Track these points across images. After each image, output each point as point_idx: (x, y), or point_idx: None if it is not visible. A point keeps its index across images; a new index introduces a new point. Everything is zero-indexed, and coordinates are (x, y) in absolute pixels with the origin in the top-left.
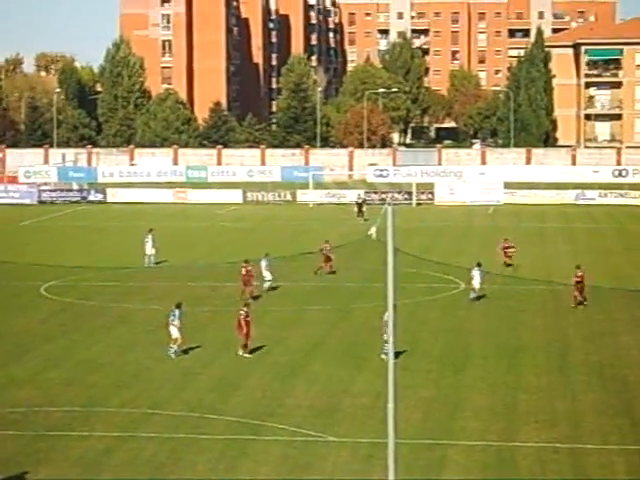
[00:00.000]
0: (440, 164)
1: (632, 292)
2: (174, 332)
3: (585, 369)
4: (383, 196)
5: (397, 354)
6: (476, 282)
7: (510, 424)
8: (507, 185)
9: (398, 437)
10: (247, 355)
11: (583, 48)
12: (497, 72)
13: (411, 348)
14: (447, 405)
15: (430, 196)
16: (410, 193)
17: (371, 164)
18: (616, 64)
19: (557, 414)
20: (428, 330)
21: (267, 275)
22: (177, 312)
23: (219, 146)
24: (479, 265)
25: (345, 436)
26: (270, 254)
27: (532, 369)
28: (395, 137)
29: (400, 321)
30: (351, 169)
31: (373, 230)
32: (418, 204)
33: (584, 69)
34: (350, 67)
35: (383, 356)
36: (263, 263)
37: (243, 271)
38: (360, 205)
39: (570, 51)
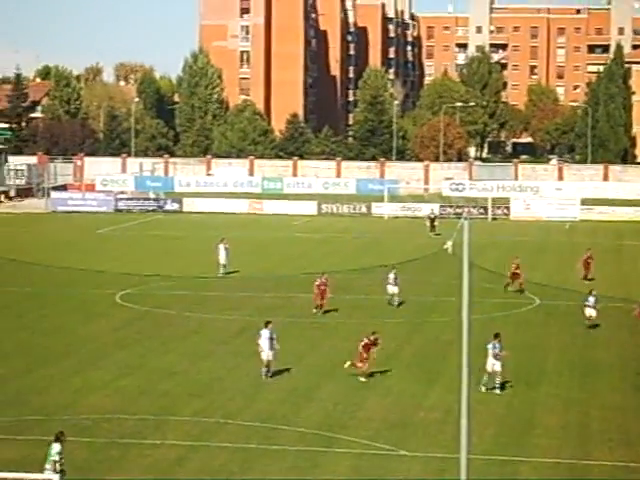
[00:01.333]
0: (516, 179)
1: None
2: (266, 353)
3: None
4: (459, 210)
5: (503, 385)
6: (588, 311)
7: (583, 442)
8: (584, 201)
9: (470, 452)
10: (363, 379)
11: None
12: (576, 88)
13: (484, 364)
14: (520, 421)
15: (506, 211)
16: (486, 208)
17: (447, 178)
18: None
19: (631, 433)
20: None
21: (393, 289)
22: (266, 332)
23: (295, 158)
24: (591, 292)
25: (417, 450)
26: (397, 267)
27: (606, 387)
28: (471, 151)
29: (474, 336)
30: (427, 183)
31: (449, 244)
32: (494, 219)
33: None
34: (427, 80)
35: (483, 388)
36: (390, 276)
37: (317, 282)
38: (432, 220)
39: None
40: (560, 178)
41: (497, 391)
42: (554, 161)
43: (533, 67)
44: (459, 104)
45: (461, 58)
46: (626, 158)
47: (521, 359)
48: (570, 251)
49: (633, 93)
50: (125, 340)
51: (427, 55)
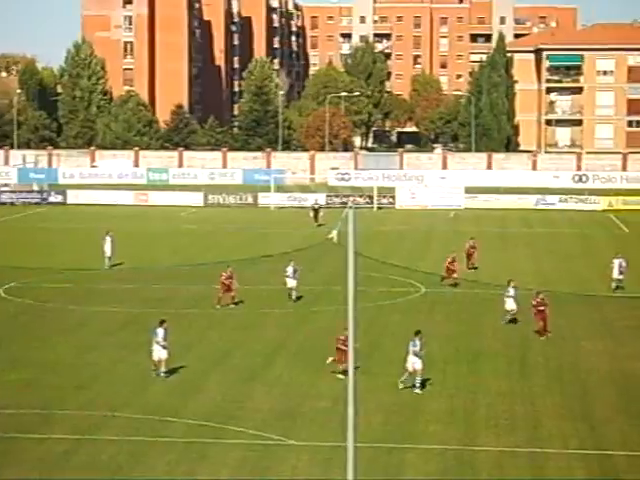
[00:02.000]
0: (401, 168)
1: (591, 297)
2: (158, 353)
3: (545, 373)
4: (344, 200)
5: (423, 383)
6: (510, 304)
7: (470, 428)
8: (468, 190)
9: (358, 441)
10: (341, 376)
11: (544, 54)
12: (459, 77)
13: (372, 352)
14: (407, 409)
15: (391, 200)
16: (371, 197)
17: (333, 168)
18: (577, 70)
19: (517, 418)
20: (389, 334)
21: (292, 283)
22: (160, 330)
23: (180, 148)
24: (509, 283)
25: (305, 440)
26: (294, 260)
27: (492, 373)
28: (357, 141)
29: (361, 325)
30: (313, 172)
31: (334, 233)
32: (379, 208)
33: (545, 74)
34: (312, 70)
35: (401, 385)
36: (289, 269)
37: (223, 275)
38: (316, 210)
39: (531, 56)
40: (444, 167)
41: (417, 390)
42: (438, 150)
43: (417, 56)
44: (344, 94)
45: (345, 48)
46: (509, 146)
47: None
48: (455, 239)
49: (515, 82)
50: (10, 334)
51: (312, 45)
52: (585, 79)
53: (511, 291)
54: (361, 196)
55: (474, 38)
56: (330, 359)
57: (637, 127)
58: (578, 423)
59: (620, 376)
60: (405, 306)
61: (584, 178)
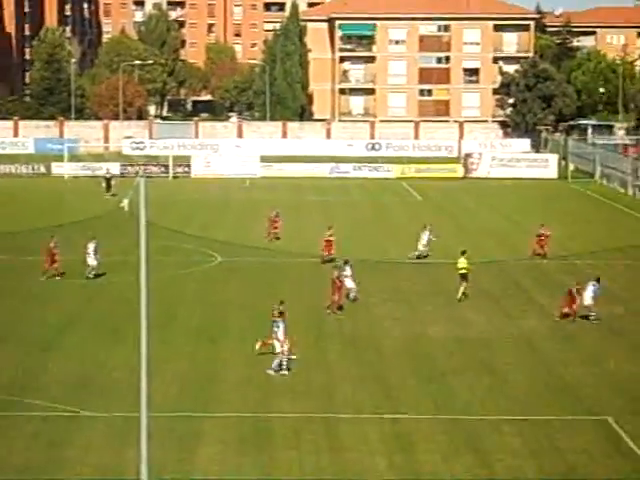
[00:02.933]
0: (197, 137)
1: (384, 263)
2: None
3: (340, 340)
4: (139, 169)
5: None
6: (349, 283)
7: (266, 395)
8: (263, 158)
9: (153, 411)
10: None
11: (337, 23)
12: (253, 45)
13: (167, 322)
14: (204, 378)
15: (187, 169)
16: (166, 166)
17: (127, 137)
18: (370, 39)
19: (312, 384)
20: (184, 303)
21: (92, 261)
22: None
23: None
24: (346, 262)
25: (100, 411)
26: (96, 237)
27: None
28: (151, 110)
29: (156, 294)
30: (107, 141)
31: (125, 202)
32: (175, 177)
33: (338, 44)
34: (105, 38)
35: (270, 371)
36: (90, 246)
37: (52, 244)
38: (108, 180)
39: (325, 25)
40: (240, 135)
41: (284, 372)
42: (234, 119)
43: (211, 25)
44: (137, 62)
45: (139, 16)
46: (303, 115)
47: (204, 315)
48: (251, 208)
49: (309, 51)
50: None
51: (104, 13)
52: (378, 48)
53: (347, 270)
54: (156, 165)
55: (268, 7)
56: (258, 344)
57: (428, 96)
58: (372, 388)
59: (412, 341)
60: (201, 275)
61: (377, 146)
